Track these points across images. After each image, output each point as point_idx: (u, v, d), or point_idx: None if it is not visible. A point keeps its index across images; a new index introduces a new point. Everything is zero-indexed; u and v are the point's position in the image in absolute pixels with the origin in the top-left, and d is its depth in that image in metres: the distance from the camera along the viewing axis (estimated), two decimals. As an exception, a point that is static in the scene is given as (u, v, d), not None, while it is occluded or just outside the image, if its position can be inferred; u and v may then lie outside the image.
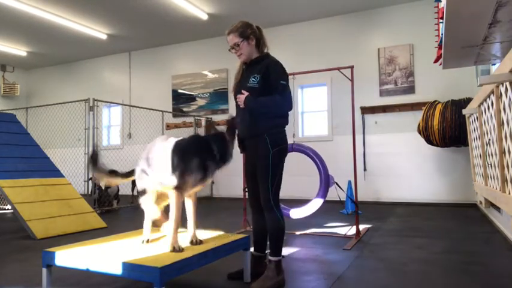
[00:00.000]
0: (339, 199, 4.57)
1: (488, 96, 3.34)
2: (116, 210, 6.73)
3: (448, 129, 5.78)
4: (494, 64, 4.62)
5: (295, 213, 4.55)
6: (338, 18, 7.65)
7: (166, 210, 2.52)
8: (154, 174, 2.34)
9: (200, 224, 5.15)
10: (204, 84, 8.95)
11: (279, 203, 2.58)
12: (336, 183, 4.40)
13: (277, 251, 2.50)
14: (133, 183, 6.61)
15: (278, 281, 2.43)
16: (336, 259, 3.17)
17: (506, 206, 2.90)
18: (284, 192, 7.98)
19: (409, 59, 7.03)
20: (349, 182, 5.72)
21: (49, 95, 10.94)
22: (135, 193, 6.65)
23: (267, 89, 2.51)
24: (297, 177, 7.42)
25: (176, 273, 1.98)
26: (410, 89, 7.01)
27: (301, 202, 5.68)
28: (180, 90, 9.23)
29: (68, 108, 7.97)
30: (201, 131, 2.58)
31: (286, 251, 3.46)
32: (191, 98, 9.10)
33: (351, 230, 4.33)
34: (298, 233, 4.32)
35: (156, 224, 2.63)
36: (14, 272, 2.92)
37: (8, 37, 8.66)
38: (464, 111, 4.81)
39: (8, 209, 6.86)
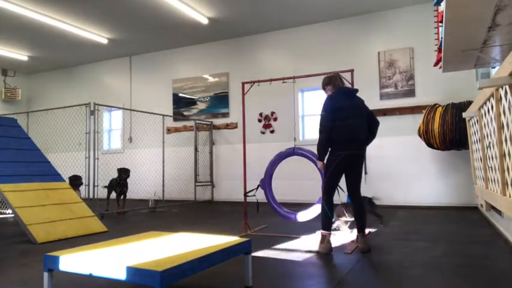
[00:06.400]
0: (340, 202, 4.56)
1: (488, 99, 3.35)
2: (125, 212, 6.77)
3: (448, 132, 5.79)
4: (494, 67, 4.64)
5: (302, 216, 4.58)
6: (338, 22, 7.68)
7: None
8: None
9: (201, 227, 5.16)
10: (205, 88, 8.97)
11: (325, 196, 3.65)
12: (339, 186, 4.40)
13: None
14: (121, 191, 6.71)
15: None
16: (336, 263, 3.17)
17: (507, 209, 2.90)
18: (285, 196, 7.96)
19: (409, 63, 7.05)
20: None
21: (50, 100, 10.98)
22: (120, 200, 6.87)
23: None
24: (298, 181, 7.42)
25: (177, 277, 1.98)
26: (411, 92, 7.02)
27: (301, 206, 5.67)
28: (180, 94, 9.25)
29: (69, 112, 7.99)
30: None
31: (288, 255, 3.46)
32: (192, 102, 9.12)
33: (351, 234, 4.32)
34: (301, 236, 4.32)
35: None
36: (15, 276, 2.92)
37: (9, 42, 8.70)
38: (464, 114, 4.82)
39: (9, 213, 6.87)
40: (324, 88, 3.87)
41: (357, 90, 3.80)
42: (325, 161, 3.69)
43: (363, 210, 3.67)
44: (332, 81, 3.78)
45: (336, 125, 3.54)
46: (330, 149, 3.62)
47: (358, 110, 3.67)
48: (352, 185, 3.69)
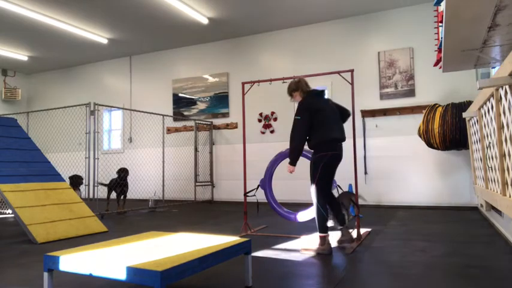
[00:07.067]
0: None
1: (488, 99, 3.35)
2: (125, 212, 6.79)
3: (448, 132, 5.79)
4: (494, 67, 4.64)
5: (302, 216, 4.58)
6: (338, 22, 7.68)
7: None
8: None
9: (201, 227, 5.16)
10: (205, 88, 8.97)
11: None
12: (339, 185, 4.42)
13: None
14: (122, 191, 6.71)
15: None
16: (337, 263, 3.17)
17: (507, 209, 2.90)
18: (285, 196, 7.93)
19: (409, 63, 7.05)
20: (350, 186, 5.72)
21: (50, 100, 10.98)
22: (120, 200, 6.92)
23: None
24: (298, 181, 7.42)
25: (177, 277, 1.98)
26: (411, 92, 7.02)
27: (301, 206, 5.67)
28: (180, 94, 9.25)
29: (69, 112, 8.00)
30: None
31: (288, 255, 3.46)
32: (192, 102, 9.12)
33: (351, 234, 4.32)
34: (301, 236, 4.32)
35: None
36: (15, 276, 2.92)
37: (9, 42, 8.70)
38: (464, 115, 4.82)
39: (9, 213, 6.87)
40: (291, 95, 3.87)
41: (324, 91, 3.91)
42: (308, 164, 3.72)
43: (339, 204, 3.81)
44: (299, 87, 3.79)
45: (318, 126, 3.56)
46: (313, 151, 3.62)
47: (333, 109, 3.73)
48: (329, 183, 3.75)
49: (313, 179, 3.58)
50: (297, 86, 3.81)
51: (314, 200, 3.58)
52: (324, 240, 3.50)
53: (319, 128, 3.56)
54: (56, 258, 2.21)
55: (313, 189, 3.59)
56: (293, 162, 3.62)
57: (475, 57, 3.80)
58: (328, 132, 3.58)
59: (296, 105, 3.76)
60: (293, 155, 3.61)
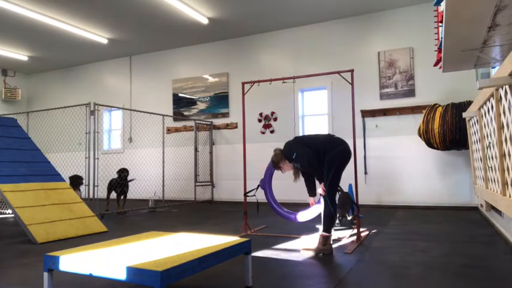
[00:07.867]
0: (339, 202, 4.56)
1: (488, 99, 3.35)
2: (125, 212, 6.79)
3: (448, 132, 5.79)
4: (494, 67, 4.63)
5: (302, 216, 4.58)
6: (338, 22, 7.68)
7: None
8: None
9: (201, 227, 5.15)
10: (205, 88, 8.97)
11: None
12: (339, 186, 4.41)
13: None
14: (122, 191, 6.72)
15: None
16: (337, 263, 3.17)
17: (507, 209, 2.90)
18: (285, 196, 7.93)
19: (409, 63, 7.05)
20: (350, 186, 5.72)
21: (50, 100, 10.98)
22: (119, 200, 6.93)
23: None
24: (298, 181, 7.39)
25: (177, 277, 1.98)
26: (411, 92, 7.02)
27: (301, 206, 5.67)
28: (180, 94, 9.25)
29: (69, 112, 8.00)
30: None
31: (288, 255, 3.46)
32: (192, 102, 9.12)
33: (352, 234, 4.32)
34: (301, 236, 4.32)
35: None
36: (15, 276, 2.92)
37: (9, 42, 8.70)
38: (464, 114, 4.82)
39: (9, 213, 6.87)
40: (279, 168, 3.92)
41: None
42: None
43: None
44: (280, 157, 3.85)
45: (314, 145, 3.68)
46: (327, 154, 3.64)
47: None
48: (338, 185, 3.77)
49: (327, 177, 3.58)
50: (278, 158, 3.86)
51: (327, 199, 3.56)
52: (326, 240, 3.50)
53: (314, 144, 3.69)
54: (56, 258, 2.21)
55: (326, 187, 3.58)
56: (309, 192, 3.91)
57: (475, 57, 3.79)
58: (323, 139, 3.76)
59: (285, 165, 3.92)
60: (318, 177, 3.74)
